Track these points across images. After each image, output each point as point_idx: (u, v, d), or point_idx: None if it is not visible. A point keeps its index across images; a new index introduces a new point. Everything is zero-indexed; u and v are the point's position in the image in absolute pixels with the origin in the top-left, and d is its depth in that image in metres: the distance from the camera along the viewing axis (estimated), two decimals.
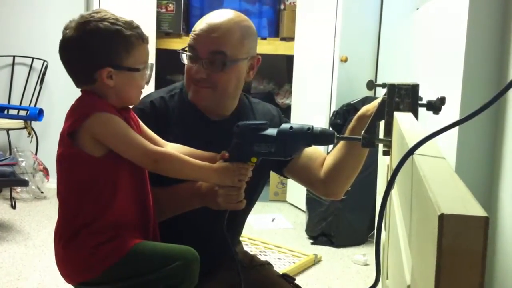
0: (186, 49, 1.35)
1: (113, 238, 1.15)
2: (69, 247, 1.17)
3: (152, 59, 4.60)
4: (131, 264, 1.14)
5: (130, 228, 1.18)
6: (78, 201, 1.17)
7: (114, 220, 1.16)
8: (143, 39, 1.20)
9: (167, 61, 4.17)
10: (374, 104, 1.25)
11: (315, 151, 1.43)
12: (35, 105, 3.99)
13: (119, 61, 1.17)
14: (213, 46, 1.30)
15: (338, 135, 1.17)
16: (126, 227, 1.18)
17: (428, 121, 1.52)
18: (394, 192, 0.94)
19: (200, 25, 1.33)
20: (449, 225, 0.38)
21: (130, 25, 1.18)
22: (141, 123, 1.27)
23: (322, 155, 1.46)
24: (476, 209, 0.40)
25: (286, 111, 4.13)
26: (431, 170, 0.52)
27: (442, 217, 0.38)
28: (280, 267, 2.79)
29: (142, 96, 1.28)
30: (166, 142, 1.29)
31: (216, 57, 1.30)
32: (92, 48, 1.16)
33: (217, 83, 1.32)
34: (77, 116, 1.15)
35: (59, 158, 1.19)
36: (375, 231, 0.77)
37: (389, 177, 1.07)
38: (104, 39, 1.16)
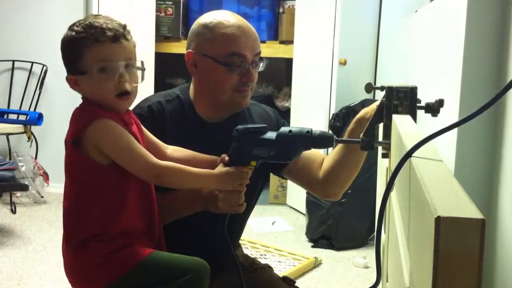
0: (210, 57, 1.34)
1: (124, 246, 1.14)
2: (80, 255, 1.16)
3: (151, 62, 4.55)
4: (142, 275, 1.13)
5: (139, 235, 1.18)
6: (87, 208, 1.16)
7: (124, 227, 1.16)
8: (98, 39, 1.14)
9: (166, 65, 4.18)
10: (373, 107, 1.26)
11: (314, 152, 1.43)
12: (34, 109, 3.99)
13: (74, 67, 1.17)
14: (257, 49, 1.36)
15: (337, 138, 1.17)
16: (135, 235, 1.17)
17: (427, 123, 1.53)
18: (393, 194, 0.94)
19: (231, 28, 1.32)
20: (445, 227, 0.38)
21: (88, 27, 1.15)
22: (143, 127, 1.27)
23: (320, 156, 1.46)
24: (472, 212, 0.40)
25: (285, 114, 4.13)
26: (429, 172, 0.52)
27: (438, 220, 0.38)
28: (281, 270, 2.78)
29: (128, 98, 1.19)
30: (168, 146, 1.29)
31: (260, 58, 1.37)
32: (63, 58, 1.20)
33: (255, 82, 1.38)
34: (79, 123, 1.15)
35: (66, 165, 1.19)
36: (375, 233, 0.77)
37: (388, 179, 1.07)
38: (64, 48, 1.18)
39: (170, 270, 1.14)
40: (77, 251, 1.16)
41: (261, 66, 1.37)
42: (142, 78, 1.21)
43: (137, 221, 1.18)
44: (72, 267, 1.18)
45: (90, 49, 1.15)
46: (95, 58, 1.14)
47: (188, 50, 1.37)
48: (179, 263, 1.15)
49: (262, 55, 1.39)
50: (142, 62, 1.21)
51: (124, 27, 1.19)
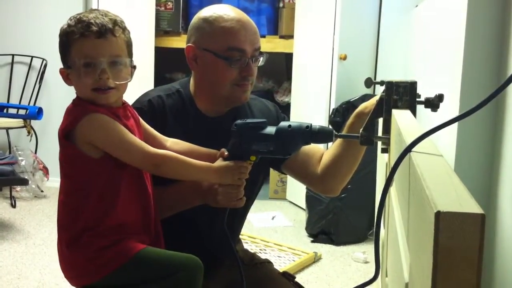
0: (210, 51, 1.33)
1: (117, 242, 1.14)
2: (72, 250, 1.16)
3: (151, 57, 4.53)
4: (134, 271, 1.13)
5: (133, 230, 1.18)
6: (79, 203, 1.16)
7: (117, 222, 1.16)
8: (83, 34, 1.13)
9: (166, 59, 4.18)
10: (372, 101, 1.25)
11: (313, 147, 1.43)
12: (34, 104, 3.99)
13: (64, 60, 1.17)
14: (257, 43, 1.35)
15: (336, 133, 1.17)
16: (129, 229, 1.17)
17: (427, 119, 1.52)
18: (392, 189, 0.94)
19: (231, 23, 1.32)
20: (445, 222, 0.38)
21: (77, 21, 1.15)
22: (141, 120, 1.26)
23: (319, 151, 1.46)
24: (472, 207, 0.40)
25: (285, 109, 4.13)
26: (428, 167, 0.52)
27: (438, 215, 0.38)
28: (280, 265, 2.79)
29: (106, 93, 1.17)
30: (167, 138, 1.29)
31: (259, 53, 1.36)
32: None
33: (254, 76, 1.37)
34: (71, 118, 1.15)
35: (59, 158, 1.19)
36: (374, 228, 0.77)
37: (387, 174, 1.07)
38: (58, 41, 1.18)
39: (162, 266, 1.14)
40: (70, 245, 1.16)
41: (261, 60, 1.37)
42: (131, 76, 1.20)
43: (131, 215, 1.18)
44: (65, 261, 1.19)
45: (75, 43, 1.14)
46: (78, 53, 1.14)
47: (188, 44, 1.37)
48: (171, 260, 1.15)
49: (262, 49, 1.39)
50: (131, 61, 1.20)
51: (115, 22, 1.16)
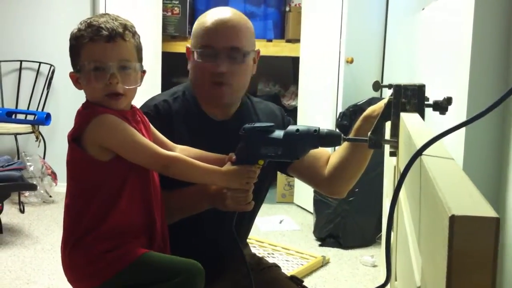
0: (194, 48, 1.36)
1: (119, 246, 1.14)
2: (74, 253, 1.16)
3: (158, 62, 4.55)
4: (135, 275, 1.14)
5: (136, 234, 1.18)
6: (82, 206, 1.17)
7: (118, 225, 1.16)
8: (93, 38, 1.14)
9: (173, 64, 4.19)
10: (380, 104, 1.25)
11: (319, 150, 1.43)
12: (42, 109, 4.01)
13: (74, 64, 1.18)
14: (233, 40, 1.34)
15: (344, 137, 1.17)
16: (131, 233, 1.17)
17: (432, 121, 1.52)
18: (401, 193, 0.94)
19: (209, 21, 1.34)
20: (460, 226, 0.38)
21: (87, 26, 1.16)
22: (151, 126, 1.27)
23: (326, 154, 1.46)
24: (487, 210, 0.40)
25: (292, 112, 4.13)
26: (440, 170, 0.51)
27: (453, 218, 0.38)
28: (288, 269, 2.78)
29: (119, 99, 1.17)
30: (175, 145, 1.29)
31: (235, 51, 1.34)
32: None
33: (235, 76, 1.35)
34: (81, 121, 1.16)
35: (67, 162, 1.20)
36: (384, 231, 0.77)
37: (396, 178, 1.06)
38: (69, 46, 1.19)
39: (162, 271, 1.14)
40: (72, 247, 1.17)
41: (240, 58, 1.34)
42: (141, 80, 1.20)
43: (133, 217, 1.18)
44: (67, 264, 1.19)
45: (85, 47, 1.15)
46: (88, 57, 1.15)
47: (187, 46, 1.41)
48: (171, 264, 1.15)
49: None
50: (141, 65, 1.20)
51: (125, 27, 1.17)
